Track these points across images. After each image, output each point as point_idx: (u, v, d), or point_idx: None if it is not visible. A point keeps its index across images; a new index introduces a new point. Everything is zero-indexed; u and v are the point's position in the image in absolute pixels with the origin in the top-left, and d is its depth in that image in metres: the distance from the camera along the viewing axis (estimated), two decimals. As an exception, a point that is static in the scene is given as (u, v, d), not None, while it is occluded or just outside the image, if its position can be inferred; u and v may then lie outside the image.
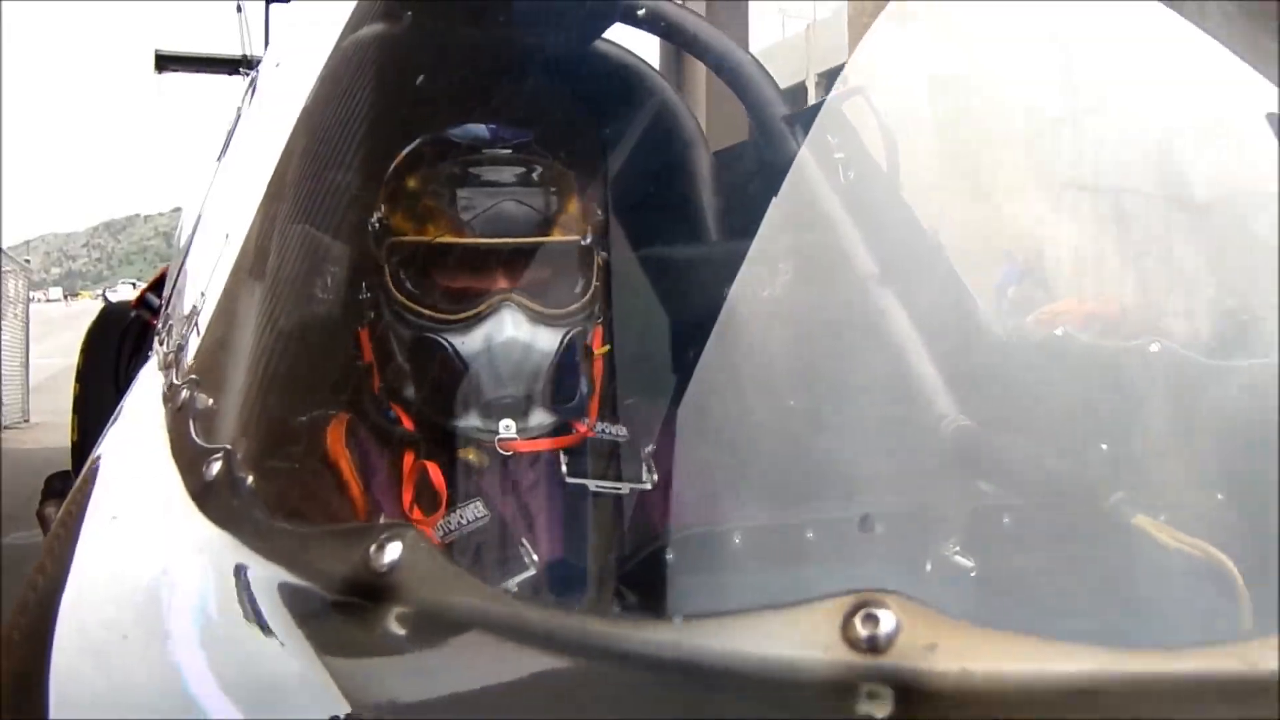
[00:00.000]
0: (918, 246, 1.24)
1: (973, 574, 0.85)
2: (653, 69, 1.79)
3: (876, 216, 1.24)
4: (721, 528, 0.83)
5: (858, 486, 0.90)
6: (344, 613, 0.60)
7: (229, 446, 0.79)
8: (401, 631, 0.57)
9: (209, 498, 0.74)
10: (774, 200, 0.98)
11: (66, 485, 1.31)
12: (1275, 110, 1.04)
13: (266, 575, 0.66)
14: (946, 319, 1.20)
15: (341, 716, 0.55)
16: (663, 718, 0.50)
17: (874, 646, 0.46)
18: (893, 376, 1.12)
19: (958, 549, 0.86)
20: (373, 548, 0.59)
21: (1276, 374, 0.97)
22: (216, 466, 0.75)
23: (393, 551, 0.58)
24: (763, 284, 1.02)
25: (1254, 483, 0.87)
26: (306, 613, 0.63)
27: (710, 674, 0.48)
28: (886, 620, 0.46)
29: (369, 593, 0.58)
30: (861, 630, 0.46)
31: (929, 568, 0.86)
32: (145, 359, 1.52)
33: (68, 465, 2.36)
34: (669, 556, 0.82)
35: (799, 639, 0.46)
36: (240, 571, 0.68)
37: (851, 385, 0.99)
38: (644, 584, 0.88)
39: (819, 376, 0.98)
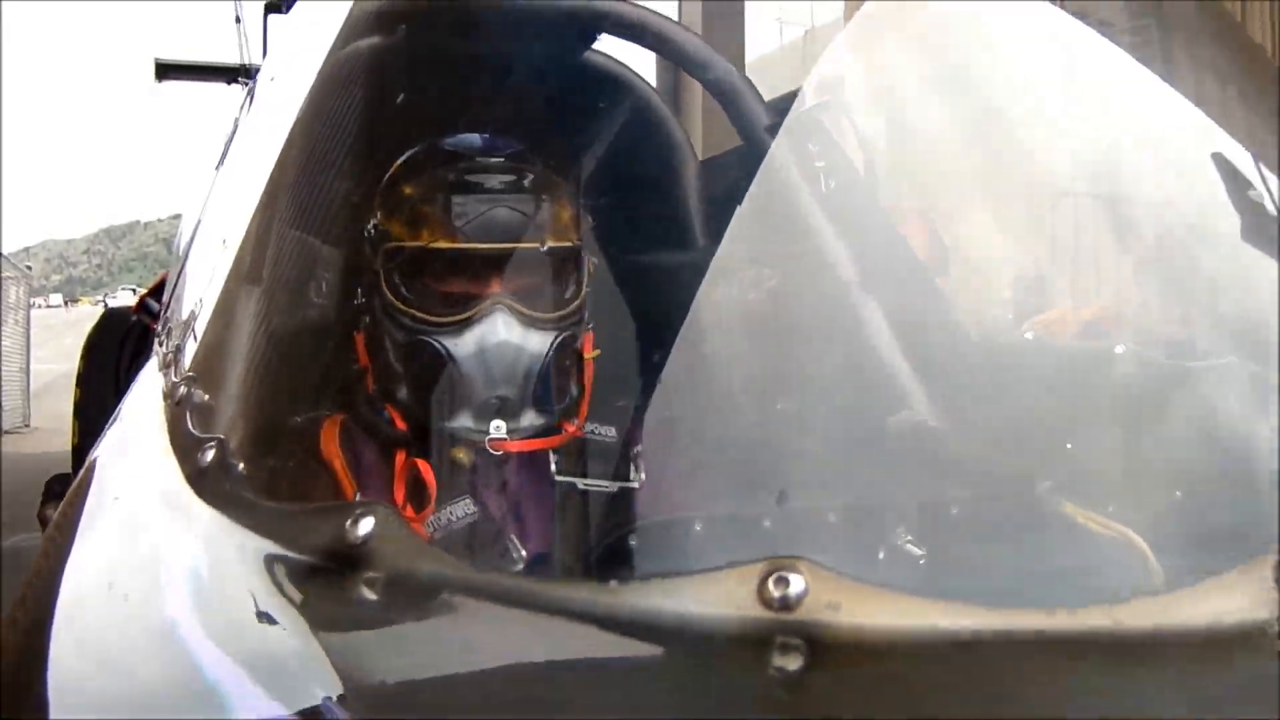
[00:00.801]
0: (895, 253, 1.27)
1: (922, 561, 0.90)
2: (642, 79, 1.82)
3: (856, 223, 1.27)
4: (684, 517, 0.88)
5: (822, 482, 0.94)
6: (324, 579, 0.66)
7: (223, 436, 0.84)
8: (374, 596, 0.63)
9: (203, 481, 0.80)
10: (756, 208, 1.02)
11: (67, 487, 1.33)
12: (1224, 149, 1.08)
13: (255, 548, 0.72)
14: (919, 323, 1.24)
15: (330, 694, 0.60)
16: (599, 669, 0.55)
17: (785, 605, 0.51)
18: (862, 378, 1.16)
19: (909, 538, 0.92)
20: (348, 522, 0.65)
21: (1230, 376, 1.01)
22: (211, 454, 0.81)
23: (366, 525, 0.64)
24: (746, 289, 1.06)
25: (1195, 472, 0.92)
26: (290, 581, 0.69)
27: (641, 630, 0.53)
28: (796, 582, 0.52)
29: (346, 561, 0.64)
30: (774, 591, 0.52)
31: (881, 555, 0.91)
32: (145, 362, 1.55)
33: (68, 469, 2.37)
34: (633, 543, 0.87)
35: (719, 599, 0.52)
36: (231, 546, 0.74)
37: (824, 386, 1.03)
38: (611, 568, 0.93)
39: (794, 379, 1.02)
